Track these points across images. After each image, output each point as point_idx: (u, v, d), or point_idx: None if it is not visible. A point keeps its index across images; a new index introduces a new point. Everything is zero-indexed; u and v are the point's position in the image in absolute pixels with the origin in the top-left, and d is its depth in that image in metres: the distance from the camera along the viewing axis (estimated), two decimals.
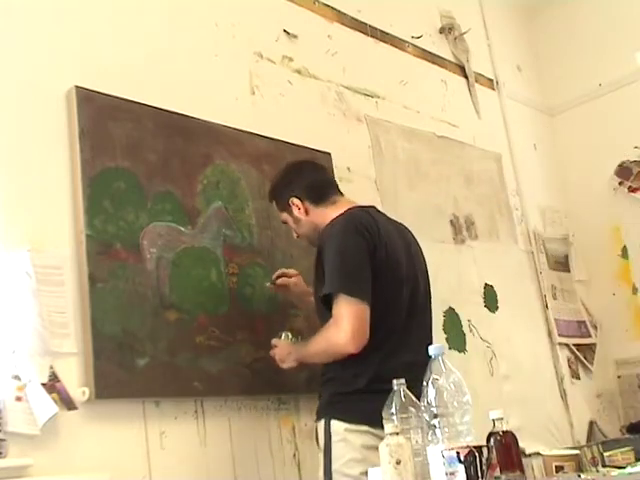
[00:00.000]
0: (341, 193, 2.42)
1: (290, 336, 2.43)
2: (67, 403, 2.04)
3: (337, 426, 2.12)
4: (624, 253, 4.31)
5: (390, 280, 2.19)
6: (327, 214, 2.30)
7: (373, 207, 2.41)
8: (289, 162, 2.55)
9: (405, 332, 2.21)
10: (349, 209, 2.28)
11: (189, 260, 2.42)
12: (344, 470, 2.09)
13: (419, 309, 2.30)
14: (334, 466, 2.11)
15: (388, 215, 2.45)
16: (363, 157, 3.29)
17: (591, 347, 4.21)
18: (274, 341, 2.42)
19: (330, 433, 2.13)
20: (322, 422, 2.17)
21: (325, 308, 2.16)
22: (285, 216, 2.43)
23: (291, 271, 2.60)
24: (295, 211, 2.37)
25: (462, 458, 1.57)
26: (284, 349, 2.39)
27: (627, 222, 4.31)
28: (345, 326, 2.07)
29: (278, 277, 2.58)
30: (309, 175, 2.42)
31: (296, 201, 2.36)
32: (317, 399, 2.26)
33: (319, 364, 2.28)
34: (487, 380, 3.45)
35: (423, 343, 1.97)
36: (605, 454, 2.00)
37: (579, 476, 1.79)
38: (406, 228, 2.44)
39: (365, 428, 2.07)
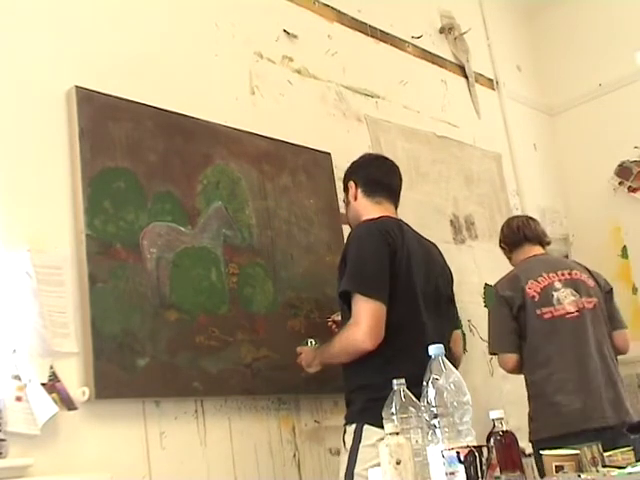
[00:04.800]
0: (391, 202, 2.51)
1: (314, 343, 2.51)
2: (67, 403, 2.04)
3: (371, 432, 2.13)
4: (624, 253, 4.31)
5: (407, 287, 2.28)
6: (367, 208, 2.46)
7: (401, 220, 2.49)
8: (375, 154, 2.80)
9: (429, 341, 2.27)
10: (382, 217, 2.40)
11: (189, 260, 2.42)
12: (366, 474, 2.10)
13: (441, 322, 2.39)
14: (357, 469, 2.14)
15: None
16: None
17: None
18: (299, 349, 2.51)
19: (361, 437, 2.17)
20: (354, 426, 2.19)
21: (344, 305, 2.26)
22: (345, 196, 2.60)
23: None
24: (350, 193, 2.53)
25: (462, 458, 1.57)
26: (308, 355, 2.47)
27: (627, 222, 4.31)
28: (362, 324, 2.17)
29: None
30: (375, 170, 2.56)
31: (352, 184, 2.52)
32: (345, 404, 2.32)
33: (339, 366, 2.34)
34: (487, 380, 3.46)
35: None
36: (605, 454, 2.00)
37: (579, 476, 1.79)
38: (434, 246, 2.54)
39: None
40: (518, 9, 4.75)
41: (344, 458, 2.21)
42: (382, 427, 2.04)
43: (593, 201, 4.44)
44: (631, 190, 4.32)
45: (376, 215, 2.40)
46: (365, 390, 2.21)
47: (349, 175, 2.57)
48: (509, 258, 3.24)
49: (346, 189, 2.57)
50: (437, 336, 2.33)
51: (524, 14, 4.79)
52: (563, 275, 3.03)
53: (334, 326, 2.69)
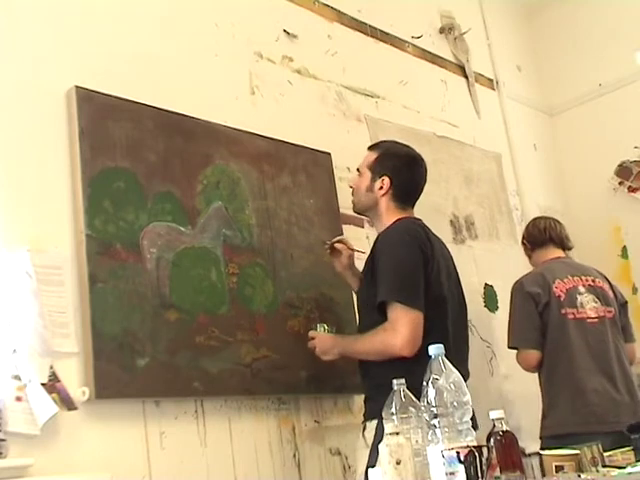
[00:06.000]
0: (413, 206, 2.51)
1: (327, 328, 2.50)
2: (67, 403, 2.04)
3: None
4: (624, 253, 4.31)
5: (438, 295, 2.31)
6: (389, 210, 2.44)
7: (421, 220, 2.49)
8: (414, 152, 2.57)
9: (451, 344, 2.30)
10: (403, 218, 2.41)
11: (189, 260, 2.42)
12: None
13: (459, 324, 2.44)
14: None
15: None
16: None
17: None
18: (312, 333, 2.49)
19: (383, 434, 2.14)
20: (375, 422, 2.20)
21: (378, 312, 2.25)
22: (365, 171, 2.51)
23: (350, 243, 2.70)
24: (377, 183, 2.46)
25: (462, 458, 1.57)
26: (326, 341, 2.46)
27: (627, 222, 4.31)
28: (402, 331, 2.18)
29: (338, 242, 2.67)
30: (415, 180, 2.51)
31: (387, 180, 2.45)
32: (364, 403, 2.36)
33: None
34: (487, 380, 3.45)
35: (462, 358, 2.30)
36: (605, 454, 2.00)
37: (579, 476, 1.79)
38: (443, 243, 2.52)
39: None
40: (518, 9, 4.75)
41: (363, 453, 2.21)
42: None
43: (593, 201, 4.44)
44: (631, 190, 4.32)
45: (397, 218, 2.40)
46: (388, 387, 2.21)
47: (387, 167, 2.47)
48: (529, 256, 3.31)
49: (372, 170, 2.49)
50: (458, 339, 2.40)
51: (524, 14, 4.79)
52: (587, 281, 3.08)
53: (329, 251, 2.69)
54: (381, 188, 2.46)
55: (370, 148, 2.59)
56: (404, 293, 2.23)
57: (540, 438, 2.87)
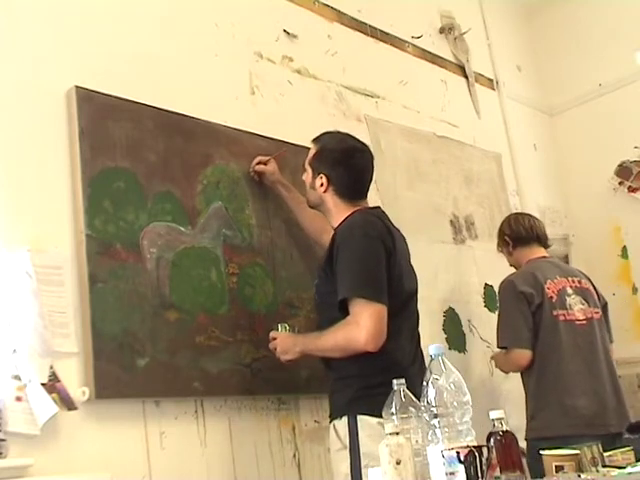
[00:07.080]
0: (366, 196, 2.42)
1: (287, 327, 2.43)
2: (67, 403, 2.04)
3: (367, 421, 2.09)
4: (624, 253, 4.31)
5: (400, 286, 2.26)
6: (338, 206, 2.35)
7: (379, 208, 2.43)
8: (353, 142, 2.45)
9: (413, 334, 2.33)
10: (360, 210, 2.33)
11: (189, 260, 2.42)
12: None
13: (417, 315, 2.39)
14: (364, 462, 2.04)
15: (389, 217, 2.47)
16: None
17: None
18: (273, 333, 2.41)
19: (357, 429, 2.11)
20: (344, 419, 2.15)
21: (339, 310, 2.19)
22: (307, 167, 2.44)
23: (265, 158, 2.70)
24: (317, 181, 2.39)
25: (462, 458, 1.57)
26: (286, 341, 2.38)
27: (627, 222, 4.31)
28: (366, 324, 2.11)
29: (257, 164, 2.69)
30: (355, 173, 2.39)
31: (324, 180, 2.37)
32: (329, 399, 2.30)
33: (317, 360, 2.34)
34: (487, 380, 3.46)
35: (422, 355, 2.24)
36: (605, 454, 2.00)
37: (579, 476, 1.79)
38: (401, 234, 2.43)
39: None
40: (518, 9, 4.75)
41: (341, 455, 2.15)
42: (375, 416, 2.00)
43: (593, 201, 4.44)
44: (631, 190, 4.32)
45: (350, 212, 2.32)
46: (354, 379, 2.19)
47: (324, 164, 2.37)
48: (509, 254, 3.22)
49: (313, 167, 2.41)
50: (416, 330, 2.36)
51: (524, 14, 4.79)
52: (574, 282, 3.06)
53: (255, 175, 2.69)
54: (321, 185, 2.37)
55: (312, 141, 2.48)
56: (367, 288, 2.16)
57: (525, 440, 2.84)
